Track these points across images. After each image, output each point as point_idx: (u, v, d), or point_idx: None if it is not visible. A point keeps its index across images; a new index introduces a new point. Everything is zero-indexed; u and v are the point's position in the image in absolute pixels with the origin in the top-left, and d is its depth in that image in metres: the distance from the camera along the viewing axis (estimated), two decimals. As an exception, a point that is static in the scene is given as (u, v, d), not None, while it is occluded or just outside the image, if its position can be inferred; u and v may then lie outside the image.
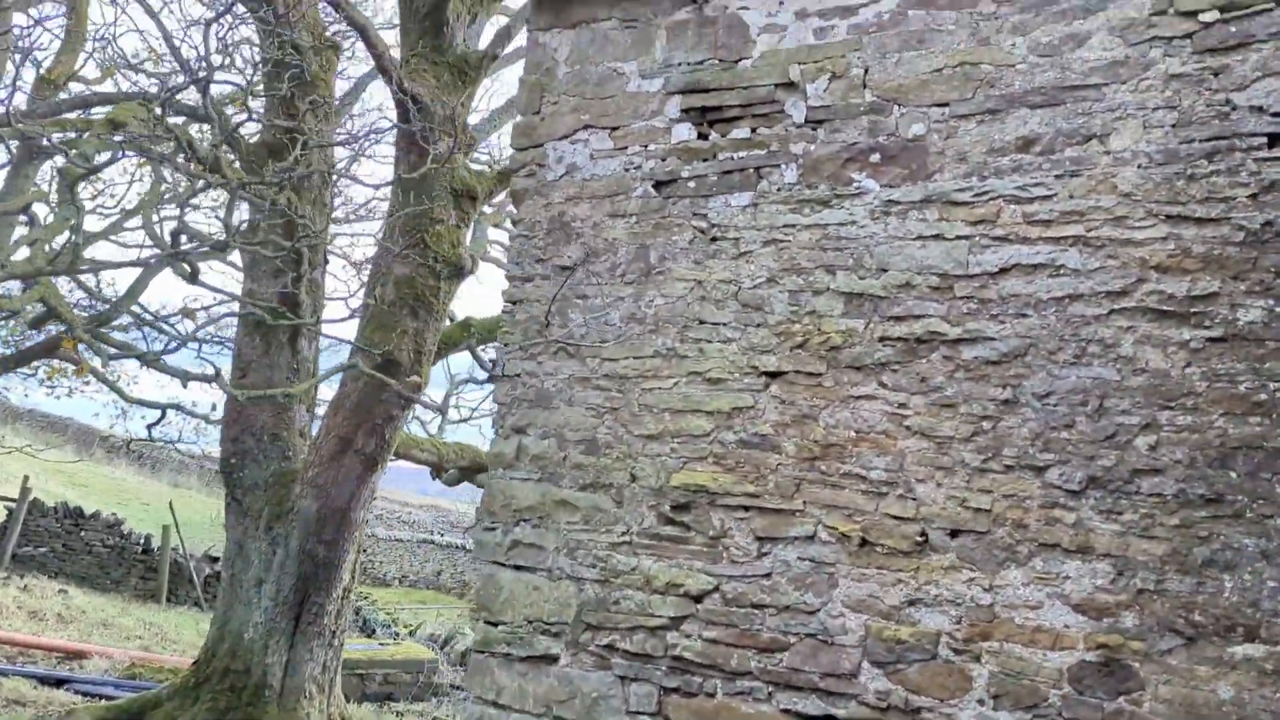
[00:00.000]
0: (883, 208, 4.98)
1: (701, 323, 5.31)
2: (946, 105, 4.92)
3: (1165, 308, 4.36)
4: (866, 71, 5.13)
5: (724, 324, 5.25)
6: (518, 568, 5.66)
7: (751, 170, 5.33)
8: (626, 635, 5.27)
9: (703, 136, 5.50)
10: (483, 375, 14.97)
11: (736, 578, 5.04)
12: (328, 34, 12.83)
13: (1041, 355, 4.56)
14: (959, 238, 4.79)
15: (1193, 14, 4.49)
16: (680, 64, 5.59)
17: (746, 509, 5.08)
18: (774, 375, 5.11)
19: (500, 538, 5.73)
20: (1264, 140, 4.30)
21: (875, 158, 5.04)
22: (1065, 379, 4.50)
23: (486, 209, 16.78)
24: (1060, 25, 4.73)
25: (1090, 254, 4.53)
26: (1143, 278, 4.42)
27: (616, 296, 5.50)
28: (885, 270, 4.92)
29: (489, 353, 14.44)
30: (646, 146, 5.63)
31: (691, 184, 5.47)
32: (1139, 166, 4.49)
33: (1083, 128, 4.62)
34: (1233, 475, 4.16)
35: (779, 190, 5.23)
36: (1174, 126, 4.45)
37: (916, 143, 4.96)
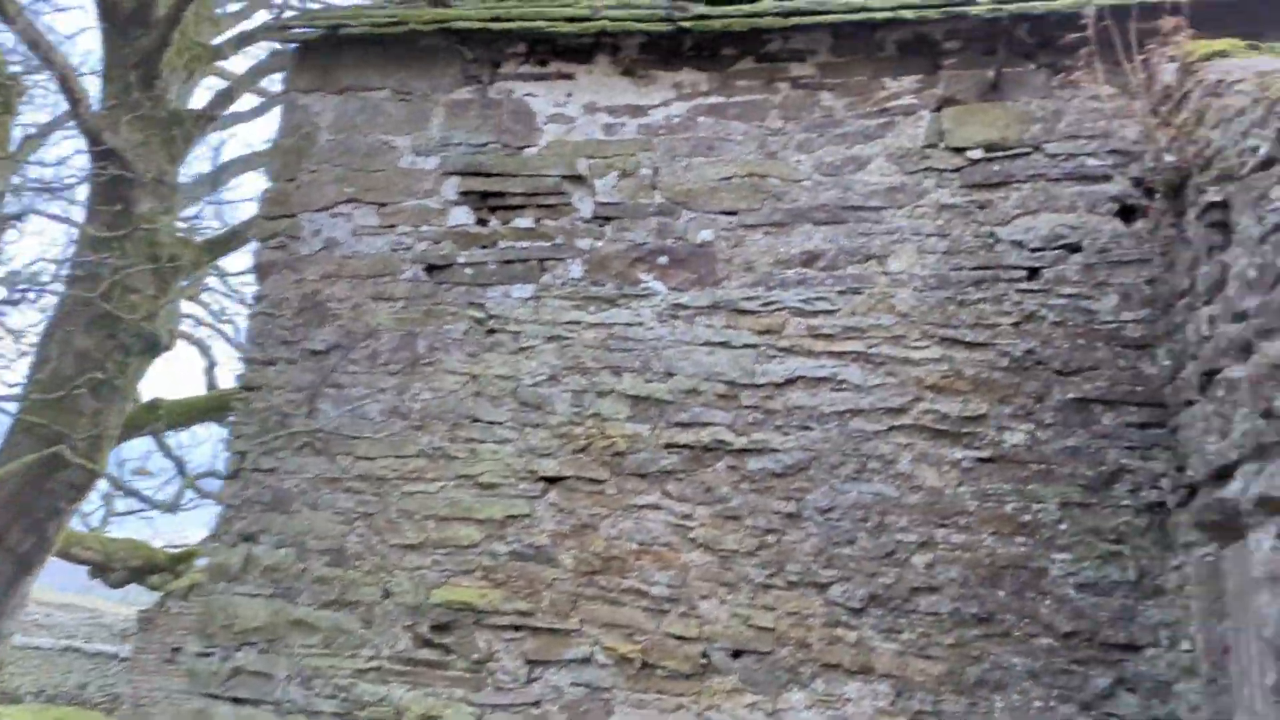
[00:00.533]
0: (671, 311, 4.80)
1: (475, 421, 4.84)
2: (735, 214, 4.87)
3: (940, 427, 4.45)
4: (656, 173, 4.99)
5: (500, 423, 4.81)
6: (237, 700, 4.78)
7: (535, 262, 5.00)
8: (371, 777, 4.55)
9: (482, 222, 5.11)
10: (164, 465, 13.25)
11: (502, 707, 4.51)
12: (5, 71, 11.18)
13: (825, 469, 4.50)
14: (746, 346, 4.69)
15: (961, 150, 4.74)
16: (460, 144, 5.20)
17: (517, 629, 4.59)
18: (553, 481, 4.72)
19: (217, 665, 4.84)
20: (1024, 273, 4.55)
21: (663, 260, 4.88)
22: (847, 494, 4.45)
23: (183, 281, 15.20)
24: (842, 148, 4.84)
25: (871, 370, 4.56)
26: (919, 396, 4.50)
27: (377, 388, 4.91)
28: (672, 375, 4.72)
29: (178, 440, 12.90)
30: (419, 227, 5.15)
31: (469, 271, 5.05)
32: (915, 289, 4.61)
33: (863, 247, 4.71)
34: (1001, 594, 4.24)
35: (564, 285, 4.93)
36: (946, 253, 4.63)
37: (705, 248, 4.85)
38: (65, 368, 9.58)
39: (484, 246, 5.07)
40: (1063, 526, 4.24)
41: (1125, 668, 4.05)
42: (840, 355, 4.59)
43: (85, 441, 9.55)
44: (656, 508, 4.60)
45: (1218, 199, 3.39)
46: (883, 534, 4.38)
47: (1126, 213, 4.51)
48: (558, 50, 5.21)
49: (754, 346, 4.67)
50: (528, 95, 5.22)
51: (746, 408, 4.61)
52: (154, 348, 10.14)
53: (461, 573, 4.70)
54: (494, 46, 5.28)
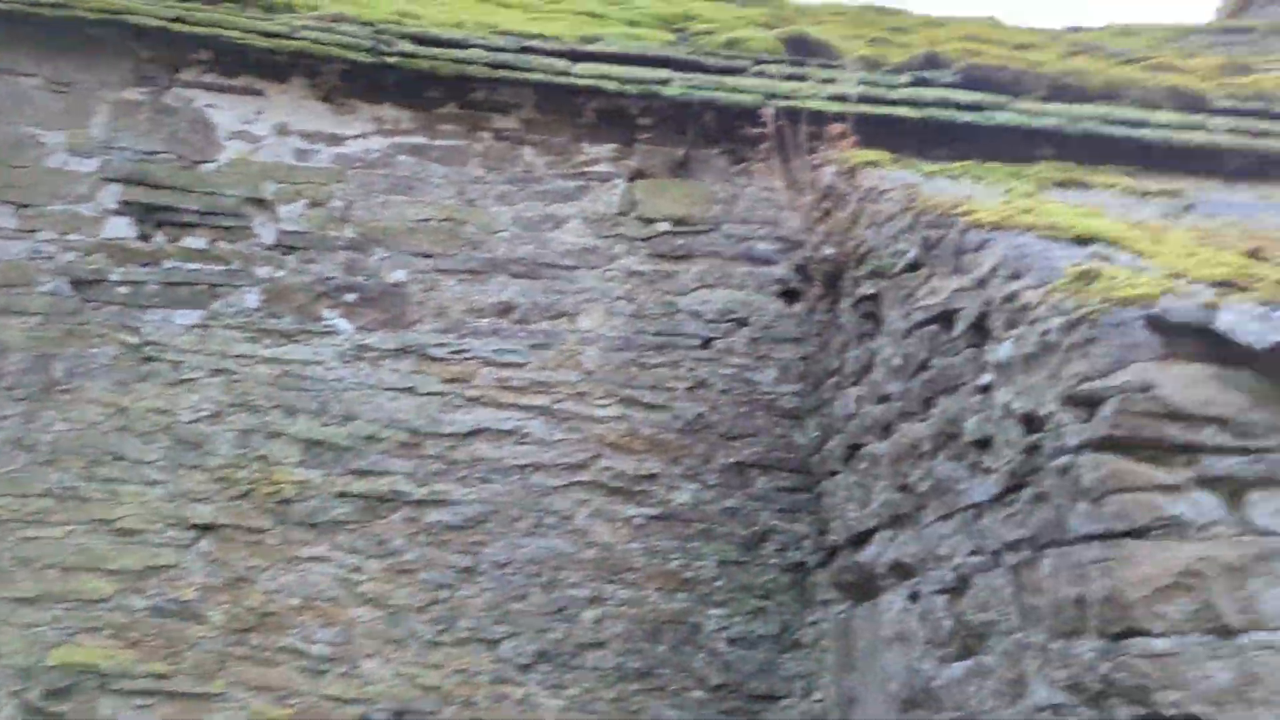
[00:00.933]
0: (355, 351, 4.59)
1: (119, 459, 4.32)
2: (431, 257, 4.77)
3: (616, 484, 4.59)
4: (350, 206, 4.78)
5: (149, 462, 4.33)
6: None
7: (205, 287, 4.58)
8: None
9: (145, 238, 4.62)
10: None
11: (128, 781, 4.00)
12: None
13: (503, 523, 4.48)
14: (433, 393, 4.58)
15: (651, 221, 4.96)
16: (126, 149, 4.68)
17: (150, 694, 4.11)
18: (207, 529, 4.31)
19: None
20: (699, 342, 4.83)
21: (351, 297, 4.66)
22: (524, 548, 4.46)
23: None
24: (541, 205, 4.91)
25: (554, 425, 4.62)
26: (599, 453, 4.61)
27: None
28: (352, 419, 4.50)
29: None
30: (66, 235, 4.55)
31: (124, 290, 4.52)
32: (601, 348, 4.74)
33: (556, 304, 4.78)
34: (661, 649, 4.42)
35: (236, 314, 4.56)
36: (631, 317, 4.81)
37: (397, 289, 4.70)
38: None
39: (145, 264, 4.57)
40: (719, 583, 4.50)
41: (763, 717, 4.35)
42: (527, 409, 4.61)
43: None
44: (324, 560, 4.34)
45: (870, 292, 3.80)
46: (555, 589, 4.42)
47: (788, 295, 4.92)
48: (249, 64, 4.85)
49: (441, 394, 4.57)
50: (209, 107, 4.81)
51: (429, 457, 4.49)
52: None
53: (86, 630, 4.14)
54: (174, 48, 4.82)
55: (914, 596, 3.16)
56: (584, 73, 4.96)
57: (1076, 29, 8.11)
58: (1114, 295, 2.36)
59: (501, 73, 4.87)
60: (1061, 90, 5.48)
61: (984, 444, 2.79)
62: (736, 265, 4.93)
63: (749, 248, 4.96)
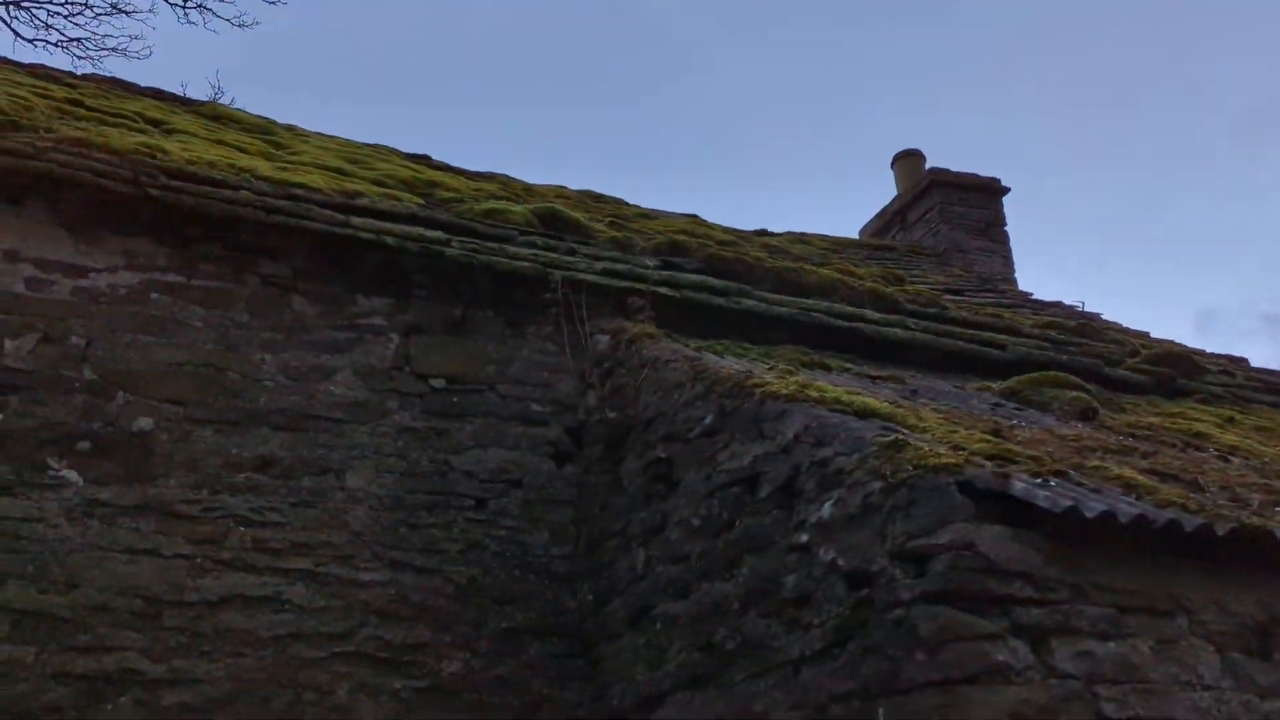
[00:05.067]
0: (85, 508, 4.04)
1: None
2: (183, 405, 4.37)
3: (383, 654, 4.29)
4: (90, 344, 4.31)
5: None
6: None
7: (-105, 427, 3.88)
8: None
9: None
10: None
11: None
12: None
13: (254, 703, 4.02)
14: (179, 556, 4.11)
15: (425, 377, 4.89)
16: None
17: None
18: None
19: None
20: (473, 502, 4.74)
21: (85, 445, 4.14)
22: (276, 731, 4.00)
23: None
24: (310, 355, 4.70)
25: (317, 591, 4.28)
26: (364, 621, 4.31)
27: None
28: (76, 586, 3.91)
29: None
30: None
31: None
32: (370, 508, 4.51)
33: (323, 459, 4.52)
34: (431, 833, 4.08)
35: (-65, 461, 3.88)
36: (403, 475, 4.64)
37: (141, 439, 4.24)
38: None
39: None
40: (492, 758, 4.27)
41: None
42: (286, 573, 4.24)
43: None
44: (28, 756, 3.63)
45: (663, 455, 3.95)
46: (313, 775, 3.98)
47: (560, 457, 4.99)
48: (-23, 180, 4.33)
49: (188, 557, 4.11)
50: (-77, 222, 4.20)
51: (169, 629, 3.98)
52: None
53: None
54: (-118, 154, 4.21)
55: (722, 757, 3.20)
56: (362, 226, 4.90)
57: (763, 232, 9.23)
58: (925, 463, 2.66)
59: (277, 218, 4.71)
60: (786, 285, 6.16)
61: (803, 600, 2.96)
62: (511, 425, 4.94)
63: (523, 408, 5.00)
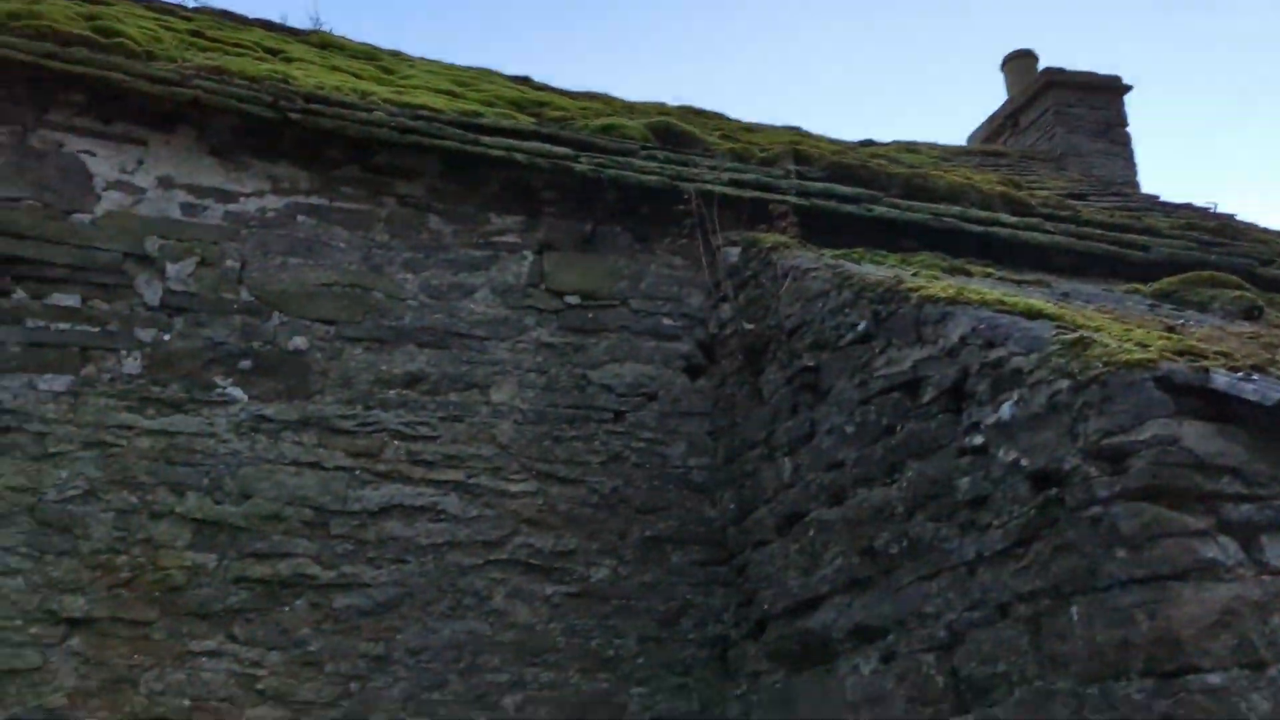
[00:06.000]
0: (252, 423, 4.19)
1: (-33, 545, 3.68)
2: (334, 324, 4.47)
3: (533, 562, 4.40)
4: (244, 267, 4.42)
5: (8, 549, 3.72)
6: None
7: (76, 350, 4.06)
8: None
9: (4, 293, 4.04)
10: None
11: None
12: None
13: (418, 606, 4.17)
14: (339, 469, 4.25)
15: (560, 294, 4.91)
16: (-17, 192, 4.11)
17: (6, 823, 3.45)
18: (80, 623, 3.73)
19: None
20: (612, 415, 4.78)
21: (247, 364, 4.27)
22: (440, 632, 4.16)
23: None
24: (449, 273, 4.74)
25: (469, 501, 4.39)
26: (515, 530, 4.42)
27: None
28: (249, 496, 4.08)
29: None
30: (-96, 286, 3.91)
31: (-24, 351, 3.92)
32: (515, 422, 4.58)
33: (468, 374, 4.59)
34: (586, 731, 4.22)
35: (114, 381, 4.06)
36: (544, 389, 4.69)
37: (297, 357, 4.36)
38: None
39: (3, 323, 4.00)
40: (640, 660, 4.38)
41: (694, 795, 4.23)
42: (440, 484, 4.36)
43: None
44: (217, 654, 3.86)
45: (811, 364, 3.91)
46: (474, 675, 4.14)
47: (693, 370, 4.98)
48: (129, 111, 4.43)
49: (348, 469, 4.24)
50: (84, 153, 4.33)
51: (336, 537, 4.13)
52: None
53: (-76, 753, 3.44)
54: (41, 88, 4.33)
55: (888, 657, 3.21)
56: (492, 144, 4.89)
57: (869, 142, 8.91)
58: (1117, 359, 2.56)
59: (411, 137, 4.72)
60: (914, 191, 5.97)
61: (979, 502, 2.91)
62: (644, 340, 4.95)
63: (655, 323, 4.99)
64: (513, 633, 4.23)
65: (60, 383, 3.97)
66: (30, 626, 3.65)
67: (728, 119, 8.01)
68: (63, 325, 4.05)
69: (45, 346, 4.01)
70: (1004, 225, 5.63)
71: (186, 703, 3.75)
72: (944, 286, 3.53)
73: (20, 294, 4.06)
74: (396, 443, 4.34)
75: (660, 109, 7.65)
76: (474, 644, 4.17)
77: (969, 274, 4.82)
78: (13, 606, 3.64)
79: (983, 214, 5.74)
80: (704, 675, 4.42)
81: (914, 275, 4.23)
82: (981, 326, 3.07)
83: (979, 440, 2.90)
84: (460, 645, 4.14)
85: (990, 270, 5.05)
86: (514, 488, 4.46)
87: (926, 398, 3.21)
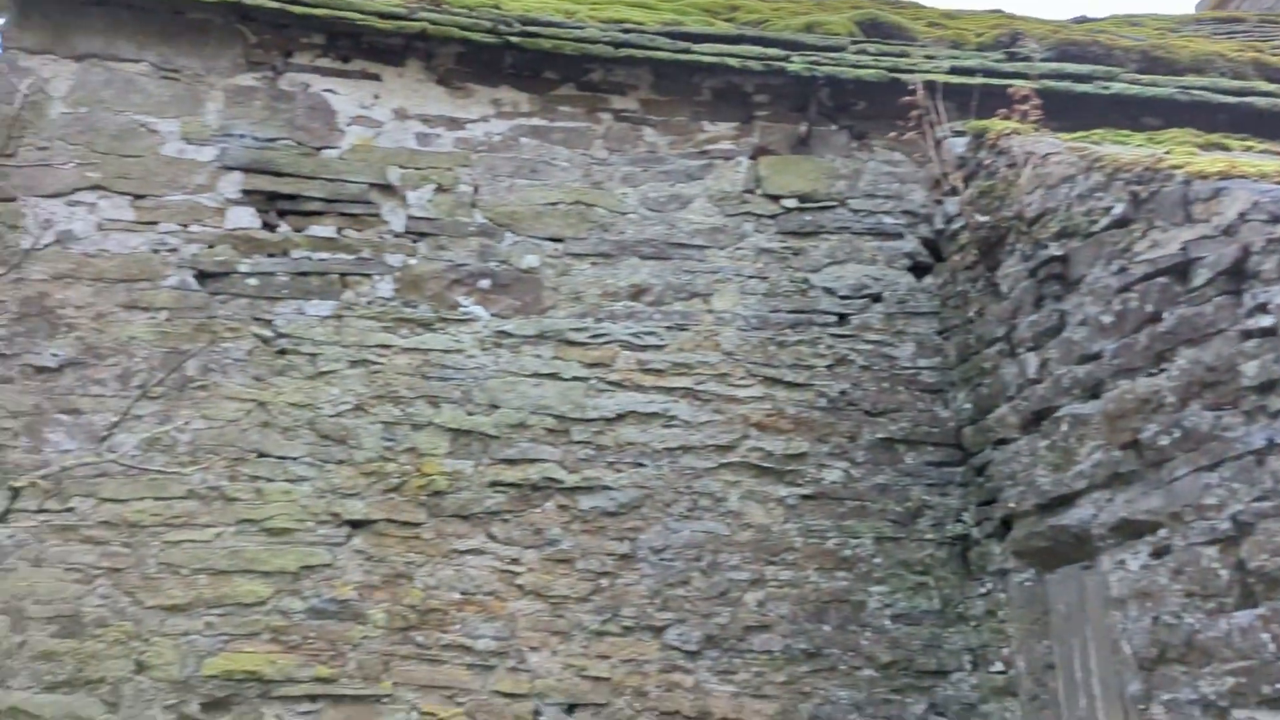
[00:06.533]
0: (494, 338, 4.40)
1: (262, 455, 4.08)
2: (561, 241, 4.59)
3: (765, 464, 4.44)
4: (477, 190, 4.59)
5: (294, 458, 4.10)
6: (-86, 822, 3.58)
7: (336, 276, 4.36)
8: None
9: (270, 227, 4.38)
10: None
11: (298, 793, 3.77)
12: None
13: (658, 507, 4.31)
14: (575, 379, 4.41)
15: (777, 198, 4.84)
16: (244, 136, 4.45)
17: (314, 699, 3.89)
18: (360, 525, 4.09)
19: (-116, 776, 3.59)
20: (835, 319, 4.71)
21: (485, 284, 4.47)
22: (680, 533, 4.29)
23: None
24: (666, 185, 4.76)
25: (699, 407, 4.47)
26: (745, 434, 4.46)
27: (131, 414, 3.98)
28: (497, 407, 4.31)
29: None
30: (189, 227, 4.31)
31: (253, 281, 4.29)
32: (738, 328, 4.60)
33: (689, 284, 4.63)
34: (827, 629, 4.28)
35: (370, 304, 4.35)
36: (765, 295, 4.67)
37: (530, 274, 4.52)
38: None
39: (273, 255, 4.34)
40: (877, 560, 4.38)
41: (936, 693, 4.23)
42: (670, 391, 4.45)
43: None
44: (480, 552, 4.14)
45: (1058, 254, 3.70)
46: (716, 573, 4.26)
47: (918, 269, 4.82)
48: (362, 48, 4.65)
49: (584, 379, 4.40)
50: (328, 91, 4.59)
51: (577, 443, 4.31)
52: None
53: (244, 636, 3.90)
54: (284, 33, 4.60)
55: (1160, 552, 3.06)
56: (703, 51, 4.82)
57: (1084, 19, 8.15)
58: None
59: (624, 51, 4.73)
60: (1153, 64, 5.47)
61: (1268, 387, 2.70)
62: (865, 240, 4.83)
63: (876, 222, 4.86)
64: (749, 533, 4.32)
65: (325, 307, 4.29)
66: (319, 528, 4.03)
67: (926, 8, 7.57)
68: (323, 254, 4.37)
69: (309, 275, 4.33)
70: (1261, 94, 5.08)
71: (457, 595, 4.06)
72: (1211, 161, 3.24)
73: (285, 227, 4.39)
74: (626, 353, 4.46)
75: (854, 3, 7.32)
76: (713, 543, 4.28)
77: (1227, 148, 4.40)
78: (303, 510, 4.03)
79: (1234, 84, 5.21)
80: (944, 574, 4.37)
81: (1168, 153, 3.91)
82: (1263, 200, 2.81)
83: (1266, 321, 2.68)
84: (700, 544, 4.27)
85: (1250, 143, 4.60)
86: (741, 393, 4.50)
87: (1199, 280, 2.98)
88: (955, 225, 4.60)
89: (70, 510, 3.89)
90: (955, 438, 4.53)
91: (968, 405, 4.45)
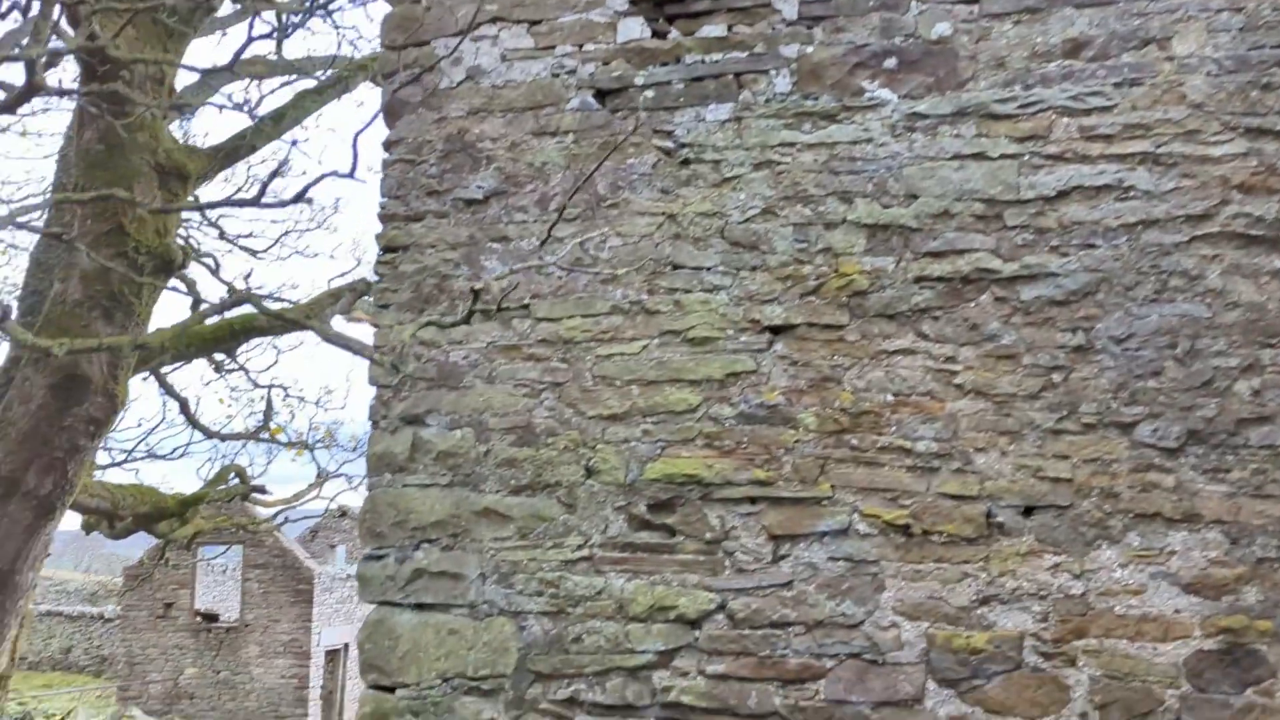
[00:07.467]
0: (905, 122, 3.94)
1: (677, 268, 4.00)
2: (976, 2, 3.98)
3: (1253, 232, 3.65)
4: (872, -41, 4.08)
5: (708, 268, 3.98)
6: (421, 606, 4.01)
7: (730, 77, 4.11)
8: (596, 682, 3.81)
9: (659, 35, 4.20)
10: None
11: (748, 591, 3.76)
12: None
13: (1116, 292, 3.70)
14: (1005, 156, 3.85)
15: (1247, -93, 3.84)
16: (623, -56, 4.26)
17: (754, 501, 3.82)
18: (780, 330, 3.90)
19: (393, 568, 4.05)
20: (1341, 46, 3.71)
21: (891, 63, 4.00)
22: (1146, 319, 3.66)
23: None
24: (1099, -84, 3.94)
25: (1162, 174, 3.74)
26: (1225, 199, 3.68)
27: (553, 238, 4.04)
28: (915, 197, 3.88)
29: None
30: (582, 46, 4.24)
31: (649, 94, 4.15)
32: (1208, 74, 3.76)
33: (1139, 30, 3.85)
34: (1347, 419, 3.48)
35: (768, 102, 4.05)
36: (1242, 30, 3.77)
37: (942, 45, 3.98)
38: (72, 291, 8.57)
39: (665, 64, 4.18)
40: None
41: None
42: (1123, 158, 3.77)
43: (101, 371, 8.57)
44: (910, 352, 3.80)
45: None
46: (1195, 361, 3.61)
47: None
48: None
49: (1015, 156, 3.84)
50: (701, -118, 4.27)
51: (1012, 228, 3.79)
52: (168, 266, 9.07)
53: (680, 442, 3.90)
54: None
55: None
56: None
57: None
58: None
59: None
60: None
61: None
62: (1380, -61, 3.72)
63: (1397, -88, 3.72)
64: (1237, 312, 3.62)
65: (723, 111, 4.08)
66: (739, 336, 3.92)
67: None
68: (715, 56, 4.14)
69: (704, 79, 4.13)
70: None
71: (889, 398, 3.79)
72: None
73: (674, 33, 4.21)
74: (1065, 120, 3.83)
75: None
76: (1189, 327, 3.63)
77: None
78: (723, 319, 3.92)
79: None
80: None
81: None
82: None
83: None
84: (1173, 330, 3.64)
85: None
86: (1216, 151, 3.72)
87: None
88: None
89: (512, 329, 4.07)
90: None
91: None
